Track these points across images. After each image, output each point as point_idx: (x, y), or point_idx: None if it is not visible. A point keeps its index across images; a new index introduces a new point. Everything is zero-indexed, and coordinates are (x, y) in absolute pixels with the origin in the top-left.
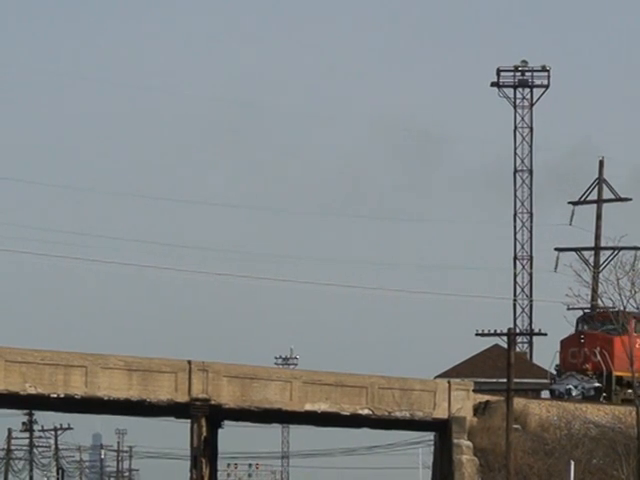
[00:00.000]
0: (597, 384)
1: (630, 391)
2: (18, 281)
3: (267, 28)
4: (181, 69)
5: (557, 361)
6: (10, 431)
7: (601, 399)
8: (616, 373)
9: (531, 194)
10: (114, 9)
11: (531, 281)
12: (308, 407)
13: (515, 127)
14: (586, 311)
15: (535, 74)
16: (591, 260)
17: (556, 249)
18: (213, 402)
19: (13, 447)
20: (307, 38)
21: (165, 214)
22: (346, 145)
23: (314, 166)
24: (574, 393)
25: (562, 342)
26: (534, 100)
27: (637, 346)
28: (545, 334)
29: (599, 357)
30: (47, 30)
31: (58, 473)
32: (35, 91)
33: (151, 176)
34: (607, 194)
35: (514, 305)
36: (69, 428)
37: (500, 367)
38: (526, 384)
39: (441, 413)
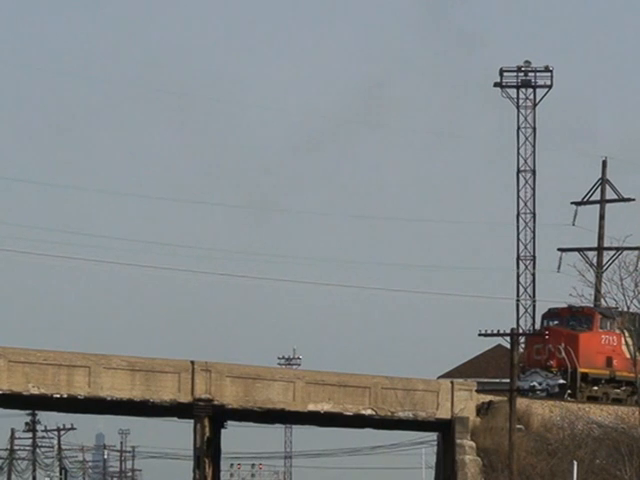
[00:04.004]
0: (562, 381)
1: (596, 388)
2: (20, 281)
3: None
4: (178, 68)
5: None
6: (13, 431)
7: (566, 396)
8: (581, 370)
9: (534, 194)
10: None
11: (534, 281)
12: (311, 407)
13: (518, 127)
14: (551, 307)
15: (538, 74)
16: (594, 260)
17: (559, 249)
18: (216, 402)
19: (16, 447)
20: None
21: (165, 214)
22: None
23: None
24: (538, 390)
25: (527, 338)
26: (537, 100)
27: (602, 342)
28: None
29: (564, 354)
30: (47, 27)
31: (61, 473)
32: (35, 90)
33: (151, 176)
34: (610, 194)
35: (517, 305)
36: (72, 428)
37: (503, 367)
38: None
39: (444, 413)
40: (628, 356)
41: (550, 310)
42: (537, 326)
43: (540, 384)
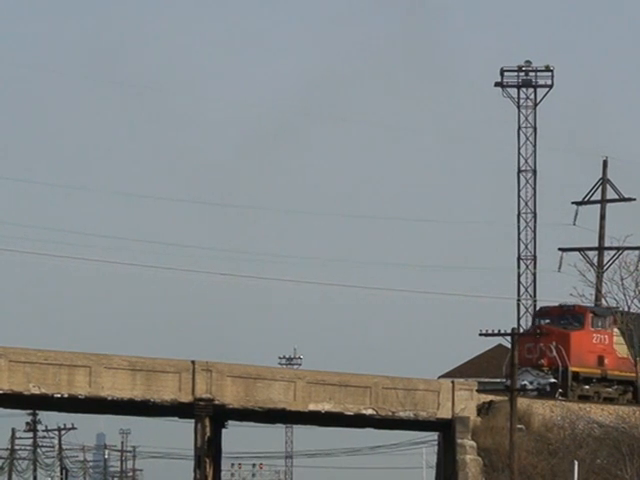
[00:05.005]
0: (553, 380)
1: (587, 387)
2: (21, 281)
3: None
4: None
5: None
6: (14, 431)
7: (557, 395)
8: (572, 369)
9: (535, 194)
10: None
11: (535, 281)
12: (312, 407)
13: (519, 127)
14: (543, 306)
15: (539, 74)
16: (595, 260)
17: (560, 249)
18: (217, 402)
19: (17, 447)
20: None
21: (166, 214)
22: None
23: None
24: (529, 389)
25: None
26: (538, 100)
27: (593, 341)
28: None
29: (555, 352)
30: (48, 28)
31: (62, 473)
32: (35, 90)
33: (151, 176)
34: (611, 194)
35: (518, 305)
36: (73, 428)
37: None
38: None
39: (445, 413)
40: (620, 355)
41: (541, 309)
42: None
43: (531, 383)
